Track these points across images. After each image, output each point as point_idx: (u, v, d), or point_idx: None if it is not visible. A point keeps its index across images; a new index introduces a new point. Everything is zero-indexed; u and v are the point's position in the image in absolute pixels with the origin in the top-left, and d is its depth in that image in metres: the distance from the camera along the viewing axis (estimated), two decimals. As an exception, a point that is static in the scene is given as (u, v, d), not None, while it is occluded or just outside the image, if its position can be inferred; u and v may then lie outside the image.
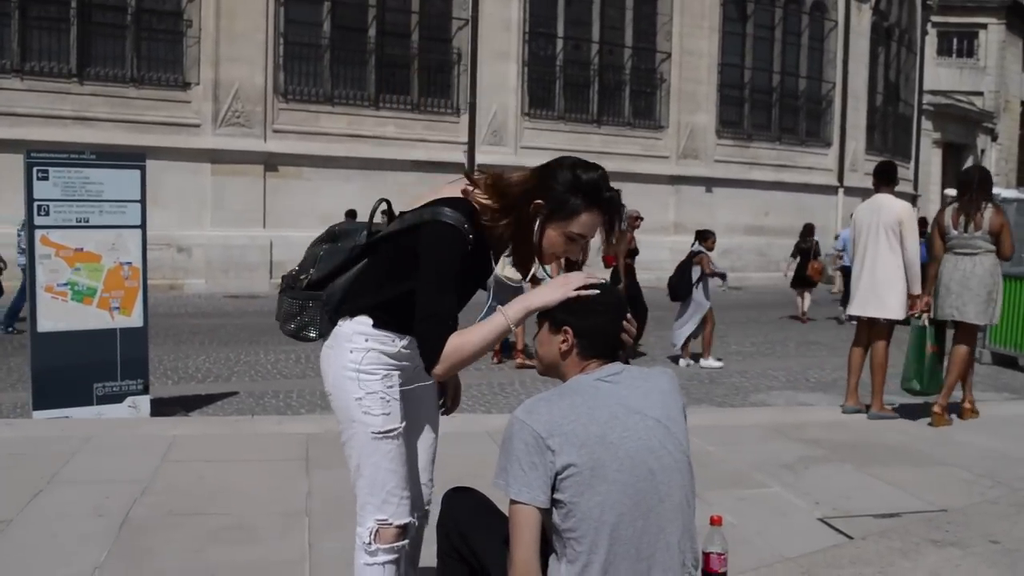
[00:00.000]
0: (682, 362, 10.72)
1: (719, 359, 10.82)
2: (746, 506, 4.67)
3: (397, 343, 2.63)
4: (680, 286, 10.85)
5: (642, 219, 11.77)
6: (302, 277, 2.80)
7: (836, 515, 4.58)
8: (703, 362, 10.70)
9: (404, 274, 2.54)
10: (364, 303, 2.65)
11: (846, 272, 16.27)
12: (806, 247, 16.77)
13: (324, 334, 2.74)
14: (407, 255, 2.53)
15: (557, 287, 2.38)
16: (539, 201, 2.48)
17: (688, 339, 10.79)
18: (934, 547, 3.94)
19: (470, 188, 2.57)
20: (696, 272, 10.74)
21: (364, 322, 2.62)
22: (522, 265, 2.66)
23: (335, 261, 2.76)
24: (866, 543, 4.07)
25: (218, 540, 4.06)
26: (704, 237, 11.07)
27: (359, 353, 2.60)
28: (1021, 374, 10.72)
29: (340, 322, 2.67)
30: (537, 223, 2.49)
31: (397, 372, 2.66)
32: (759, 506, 4.72)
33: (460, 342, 2.42)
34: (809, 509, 4.69)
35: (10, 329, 11.76)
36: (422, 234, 2.50)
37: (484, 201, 2.54)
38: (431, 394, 2.89)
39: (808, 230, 17.16)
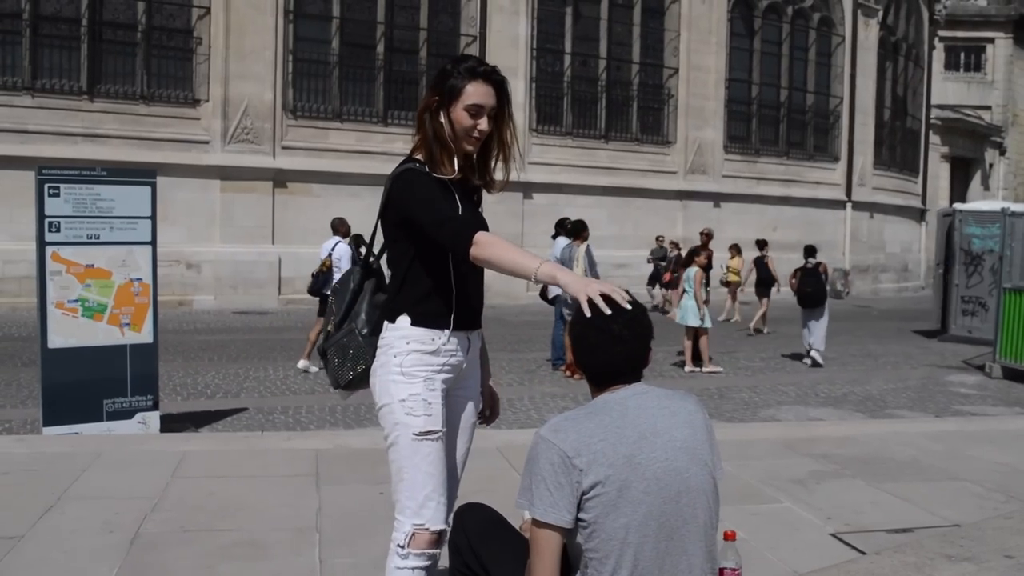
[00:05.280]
0: (807, 360, 12.41)
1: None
2: (758, 521, 4.64)
3: (437, 341, 2.73)
4: (817, 294, 12.52)
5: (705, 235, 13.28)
6: (329, 328, 2.94)
7: (848, 530, 4.56)
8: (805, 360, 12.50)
9: (408, 242, 2.75)
10: (393, 296, 2.79)
11: None
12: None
13: (371, 360, 2.82)
14: (398, 229, 2.76)
15: (585, 283, 2.41)
16: (435, 97, 2.76)
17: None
18: (948, 562, 3.92)
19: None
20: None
21: (403, 324, 2.74)
22: (448, 164, 2.76)
23: (346, 296, 2.92)
24: (880, 558, 4.04)
25: (229, 556, 4.05)
26: (812, 252, 12.98)
27: (401, 356, 2.72)
28: (1032, 388, 10.68)
29: (383, 334, 2.78)
30: (442, 115, 2.73)
31: (441, 376, 2.74)
32: (771, 521, 4.70)
33: (497, 242, 2.58)
34: (821, 524, 4.67)
35: None
36: (392, 195, 2.75)
37: (414, 142, 2.83)
38: (472, 402, 2.95)
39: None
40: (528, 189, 20.25)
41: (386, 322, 2.78)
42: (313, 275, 11.64)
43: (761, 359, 12.80)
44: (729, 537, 2.46)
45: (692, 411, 2.37)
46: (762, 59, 25.60)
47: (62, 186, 6.55)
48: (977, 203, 21.04)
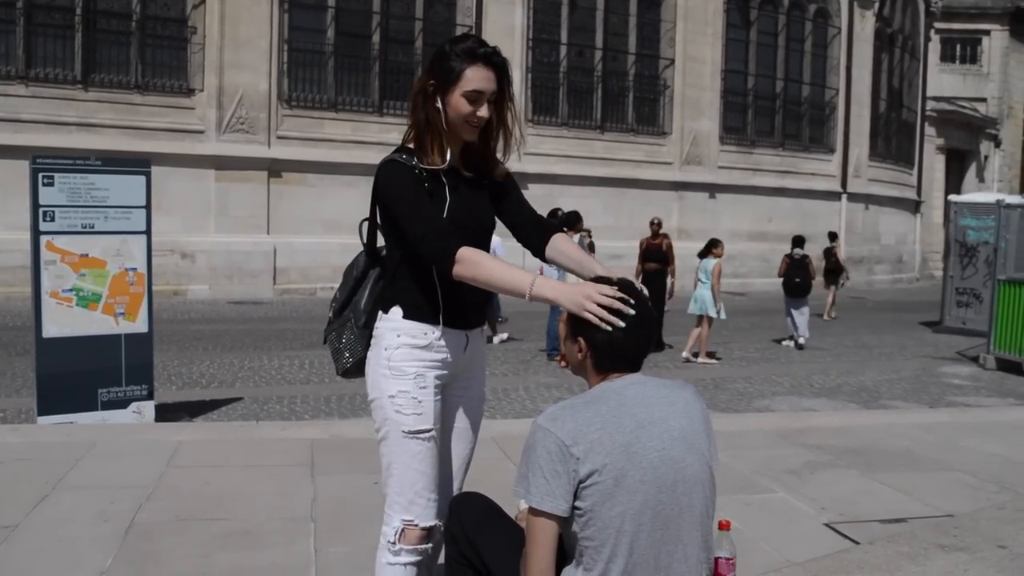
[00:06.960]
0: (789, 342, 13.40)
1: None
2: (752, 511, 4.66)
3: (429, 335, 2.65)
4: (805, 285, 13.48)
5: (655, 224, 12.96)
6: (329, 316, 2.89)
7: (842, 520, 4.58)
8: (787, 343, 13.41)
9: (400, 233, 2.63)
10: (388, 286, 2.72)
11: None
12: None
13: (364, 351, 2.76)
14: (388, 220, 2.67)
15: (581, 298, 2.32)
16: (431, 81, 2.60)
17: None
18: (942, 552, 3.93)
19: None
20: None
21: (395, 315, 2.67)
22: (438, 155, 2.61)
23: (349, 284, 2.84)
24: (873, 548, 4.06)
25: (224, 546, 4.06)
26: (800, 243, 13.98)
27: (391, 350, 2.64)
28: (1026, 380, 10.70)
29: (376, 324, 2.72)
30: (438, 100, 2.58)
31: (433, 373, 2.66)
32: (765, 511, 4.71)
33: (482, 260, 2.48)
34: (815, 514, 4.69)
35: None
36: (377, 187, 2.64)
37: (408, 128, 2.70)
38: (475, 403, 2.91)
39: None
40: (523, 179, 20.08)
41: (380, 312, 2.72)
42: None
43: (755, 349, 12.83)
44: (724, 527, 2.46)
45: (690, 400, 2.36)
46: (758, 50, 25.56)
47: (56, 175, 6.52)
48: (972, 195, 21.05)
